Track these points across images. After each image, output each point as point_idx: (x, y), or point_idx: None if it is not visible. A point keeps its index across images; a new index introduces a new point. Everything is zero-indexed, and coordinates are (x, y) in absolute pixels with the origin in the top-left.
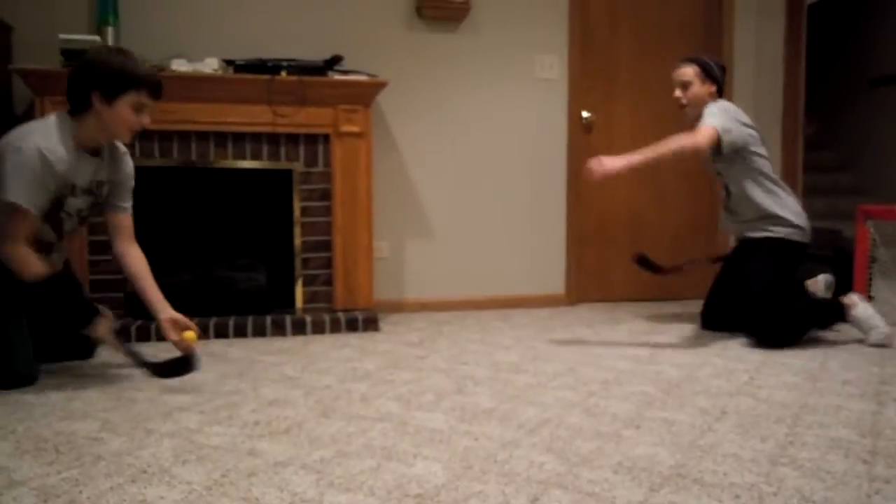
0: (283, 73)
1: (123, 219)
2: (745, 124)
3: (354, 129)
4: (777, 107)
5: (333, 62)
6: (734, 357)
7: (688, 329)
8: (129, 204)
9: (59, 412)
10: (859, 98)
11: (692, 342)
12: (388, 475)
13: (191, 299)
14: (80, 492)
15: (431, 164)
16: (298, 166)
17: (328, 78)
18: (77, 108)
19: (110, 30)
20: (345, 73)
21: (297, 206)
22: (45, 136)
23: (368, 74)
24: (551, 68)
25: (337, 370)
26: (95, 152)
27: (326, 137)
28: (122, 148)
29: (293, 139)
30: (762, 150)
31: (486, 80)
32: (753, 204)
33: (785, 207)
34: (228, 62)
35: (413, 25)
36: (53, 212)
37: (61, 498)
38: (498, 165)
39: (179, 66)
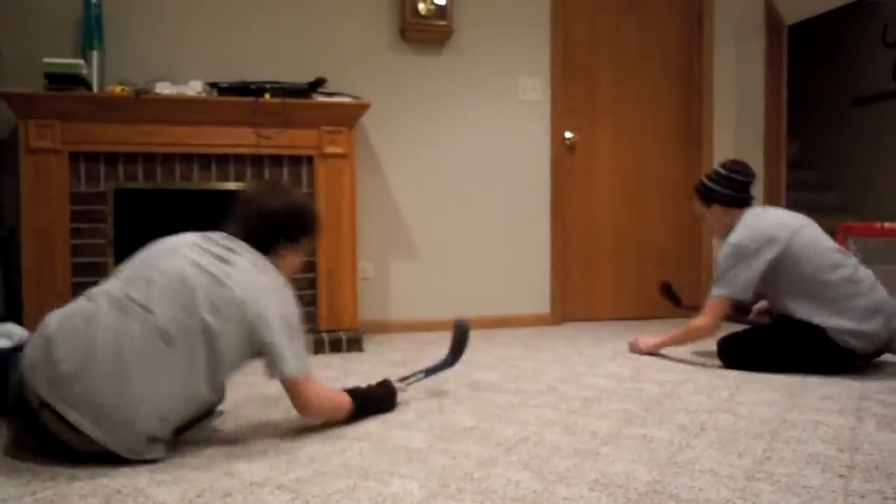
0: (267, 96)
1: None
2: (759, 247)
3: (338, 150)
4: (759, 126)
5: (317, 85)
6: (715, 374)
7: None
8: None
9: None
10: (841, 117)
11: (674, 360)
12: (363, 494)
13: None
14: None
15: (416, 184)
16: None
17: (312, 100)
18: None
19: (95, 54)
20: (329, 95)
21: None
22: None
23: (352, 97)
24: (534, 90)
25: None
26: None
27: (310, 159)
28: None
29: (277, 161)
30: (795, 258)
31: (470, 103)
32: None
33: (834, 314)
34: (212, 85)
35: (397, 48)
36: None
37: None
38: (482, 186)
39: (164, 88)
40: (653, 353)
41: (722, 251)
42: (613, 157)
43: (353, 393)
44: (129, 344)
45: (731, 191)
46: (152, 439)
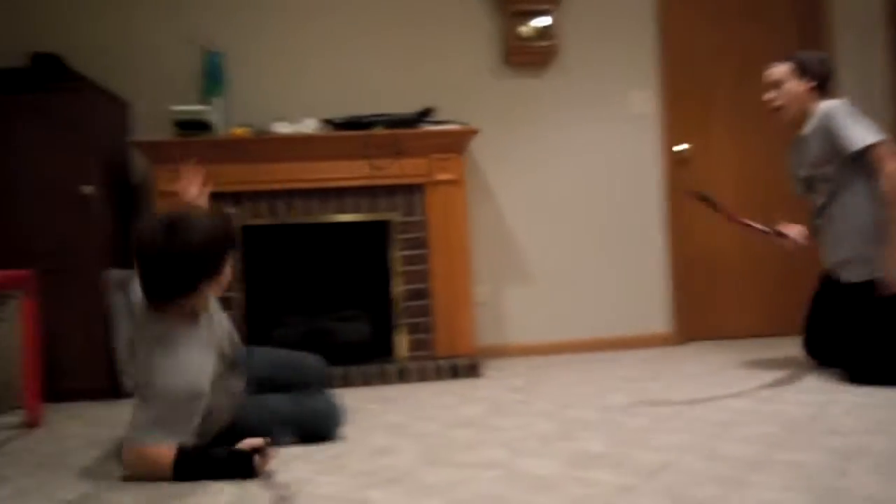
0: (378, 128)
1: None
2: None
3: (448, 177)
4: (887, 120)
5: (425, 114)
6: (864, 393)
7: (810, 365)
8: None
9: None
10: None
11: (816, 378)
12: None
13: (299, 351)
14: None
15: (527, 206)
16: (396, 216)
17: (421, 129)
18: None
19: (217, 99)
20: (437, 123)
21: (395, 255)
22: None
23: (460, 123)
24: (644, 103)
25: (441, 417)
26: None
27: (422, 187)
28: None
29: (390, 190)
30: None
31: (578, 121)
32: (861, 222)
33: None
34: (327, 121)
35: (501, 72)
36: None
37: None
38: (594, 204)
39: (282, 128)
40: None
41: (833, 118)
42: (733, 166)
43: (187, 455)
44: None
45: (827, 79)
46: None
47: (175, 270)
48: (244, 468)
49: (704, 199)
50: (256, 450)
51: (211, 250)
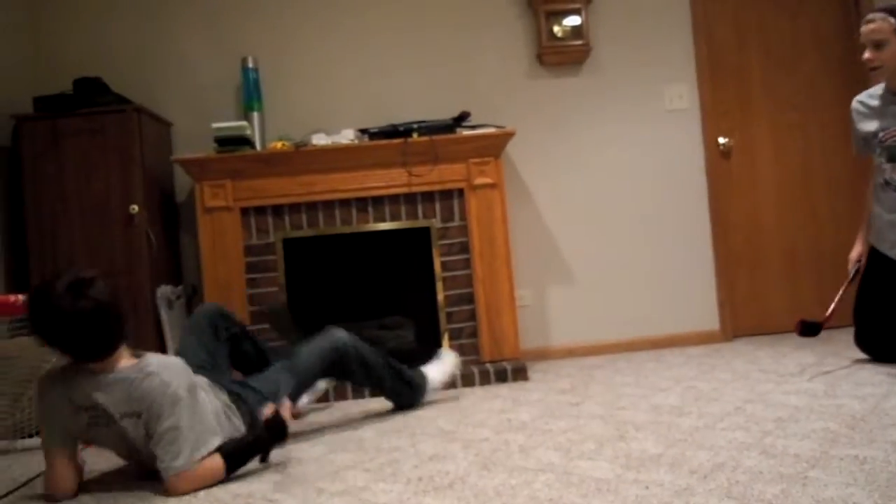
0: (415, 136)
1: None
2: None
3: (487, 180)
4: None
5: (461, 119)
6: None
7: (864, 357)
8: None
9: (233, 474)
10: None
11: (872, 371)
12: None
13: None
14: None
15: (566, 207)
16: (436, 223)
17: (458, 134)
18: None
19: (256, 114)
20: (473, 127)
21: (437, 261)
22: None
23: (496, 126)
24: (681, 98)
25: (492, 422)
26: None
27: (461, 192)
28: None
29: (429, 197)
30: None
31: (614, 119)
32: None
33: None
34: (363, 131)
35: (535, 73)
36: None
37: None
38: (635, 202)
39: (319, 140)
40: None
41: None
42: (774, 158)
43: (232, 454)
44: None
45: None
46: None
47: (113, 320)
48: (281, 432)
49: (811, 330)
50: (277, 411)
51: (118, 312)
